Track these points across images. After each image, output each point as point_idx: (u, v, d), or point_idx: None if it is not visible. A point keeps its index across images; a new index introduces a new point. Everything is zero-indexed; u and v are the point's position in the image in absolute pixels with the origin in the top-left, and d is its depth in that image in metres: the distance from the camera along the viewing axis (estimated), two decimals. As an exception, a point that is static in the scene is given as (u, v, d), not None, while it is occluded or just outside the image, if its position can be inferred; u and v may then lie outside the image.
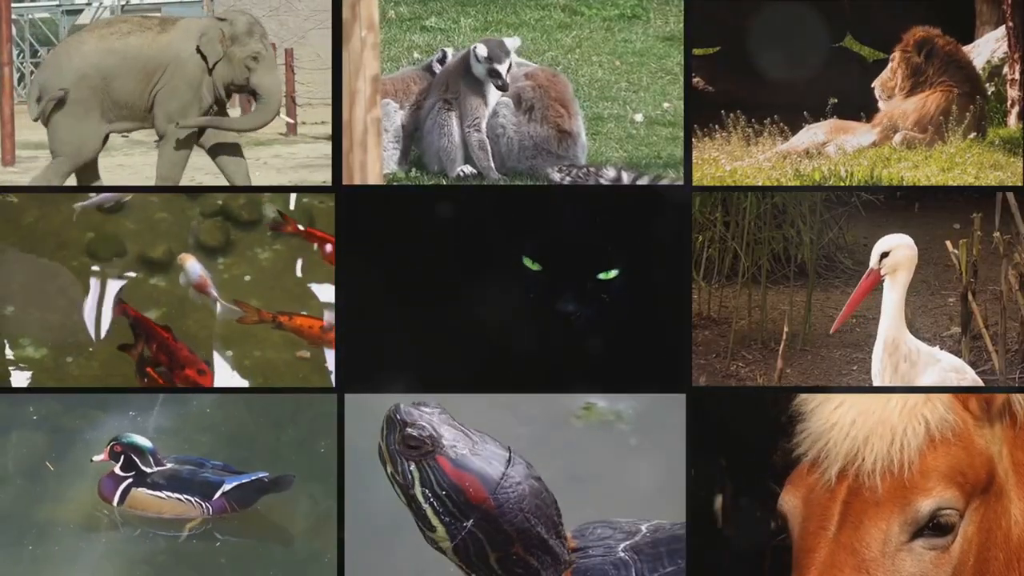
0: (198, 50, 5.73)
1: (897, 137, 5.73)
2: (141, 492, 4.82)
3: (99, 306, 5.39)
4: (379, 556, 4.56)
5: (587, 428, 4.96)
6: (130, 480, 4.83)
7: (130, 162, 6.22)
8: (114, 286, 5.41)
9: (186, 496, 4.80)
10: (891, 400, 3.28)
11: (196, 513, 4.79)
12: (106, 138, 5.82)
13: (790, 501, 3.35)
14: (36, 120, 5.80)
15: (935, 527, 3.23)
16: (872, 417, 3.27)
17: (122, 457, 4.82)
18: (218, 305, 5.26)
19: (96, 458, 4.85)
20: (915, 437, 3.24)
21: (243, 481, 4.81)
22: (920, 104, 5.75)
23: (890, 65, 5.88)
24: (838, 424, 3.29)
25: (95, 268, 5.49)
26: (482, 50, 5.96)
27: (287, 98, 6.27)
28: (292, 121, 6.46)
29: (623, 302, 4.69)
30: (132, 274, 5.46)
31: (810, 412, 3.36)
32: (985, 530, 3.28)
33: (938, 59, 5.81)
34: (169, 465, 4.87)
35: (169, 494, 4.80)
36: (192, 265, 5.25)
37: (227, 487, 4.79)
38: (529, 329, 4.70)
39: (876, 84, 5.88)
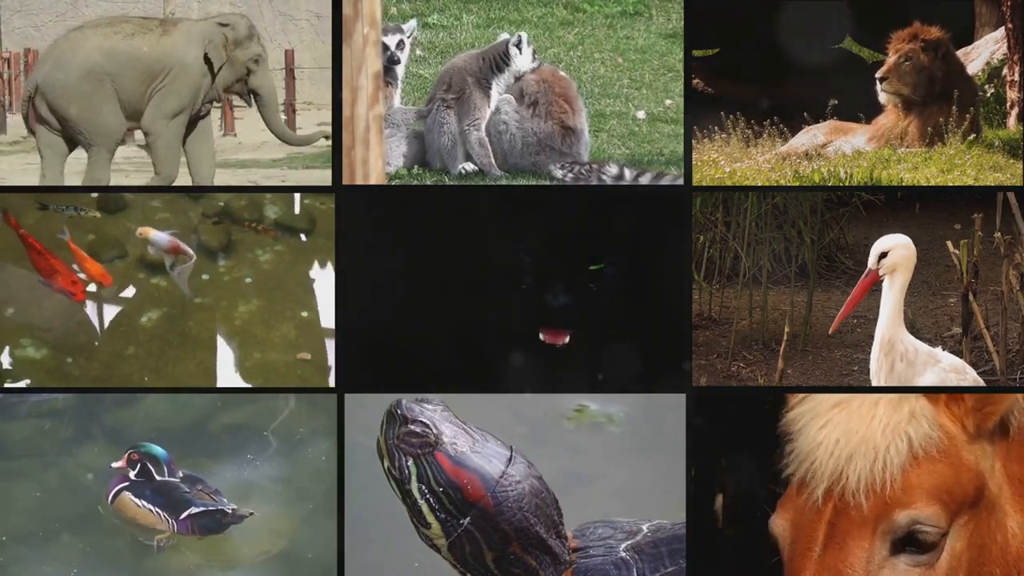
0: (206, 58, 5.80)
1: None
2: (126, 496, 4.90)
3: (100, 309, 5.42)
4: (378, 557, 4.57)
5: (577, 430, 4.96)
6: (125, 484, 4.90)
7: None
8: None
9: (158, 509, 4.87)
10: (875, 418, 3.27)
11: (164, 527, 4.86)
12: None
13: (780, 524, 3.35)
14: (26, 117, 5.80)
15: (916, 543, 3.22)
16: (856, 436, 3.26)
17: (139, 465, 4.92)
18: (191, 264, 5.30)
19: (115, 464, 4.94)
20: (898, 455, 3.24)
21: (208, 508, 4.86)
22: (922, 124, 5.73)
23: (900, 59, 5.83)
24: (823, 444, 3.29)
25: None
26: (518, 40, 6.01)
27: (286, 105, 6.31)
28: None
29: (624, 301, 4.68)
30: (131, 293, 5.48)
31: (797, 432, 3.36)
32: (977, 545, 3.27)
33: (947, 64, 5.78)
34: (179, 476, 4.94)
35: (146, 504, 4.88)
36: (156, 235, 5.31)
37: (193, 511, 4.86)
38: (528, 329, 4.70)
39: (887, 75, 5.82)
